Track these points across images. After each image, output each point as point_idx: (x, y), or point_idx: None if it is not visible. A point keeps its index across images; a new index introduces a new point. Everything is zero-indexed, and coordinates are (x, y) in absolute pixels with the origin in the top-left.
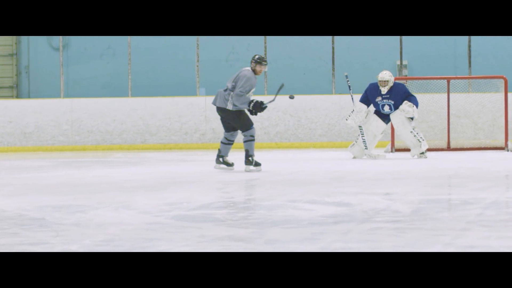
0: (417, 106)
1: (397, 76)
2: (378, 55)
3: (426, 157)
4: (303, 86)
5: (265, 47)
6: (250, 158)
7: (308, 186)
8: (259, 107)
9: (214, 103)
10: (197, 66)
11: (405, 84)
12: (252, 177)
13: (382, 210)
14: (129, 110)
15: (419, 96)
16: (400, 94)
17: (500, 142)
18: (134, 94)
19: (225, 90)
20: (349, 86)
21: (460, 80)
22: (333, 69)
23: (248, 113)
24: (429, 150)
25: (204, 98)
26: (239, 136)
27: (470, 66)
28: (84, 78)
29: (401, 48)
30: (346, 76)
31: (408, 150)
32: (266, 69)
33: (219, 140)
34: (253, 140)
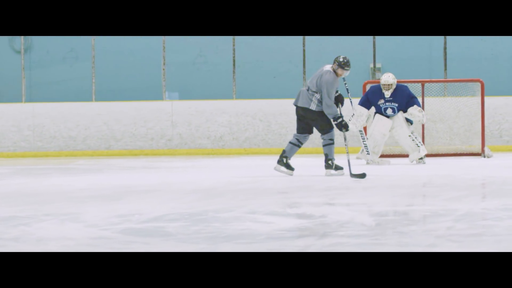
0: None
1: (370, 80)
2: (351, 57)
3: (425, 163)
4: (273, 90)
5: (234, 50)
6: (330, 162)
7: (271, 195)
8: (341, 127)
9: (296, 103)
10: (163, 69)
11: (407, 86)
12: (213, 186)
13: (345, 223)
14: (93, 115)
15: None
16: (404, 97)
17: (477, 148)
18: (98, 99)
19: (308, 90)
20: (347, 89)
21: (435, 83)
22: (304, 72)
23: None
24: (402, 156)
25: (170, 102)
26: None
27: (445, 69)
28: (46, 82)
29: (374, 51)
30: (344, 79)
31: (382, 156)
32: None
33: (186, 146)
34: (333, 143)
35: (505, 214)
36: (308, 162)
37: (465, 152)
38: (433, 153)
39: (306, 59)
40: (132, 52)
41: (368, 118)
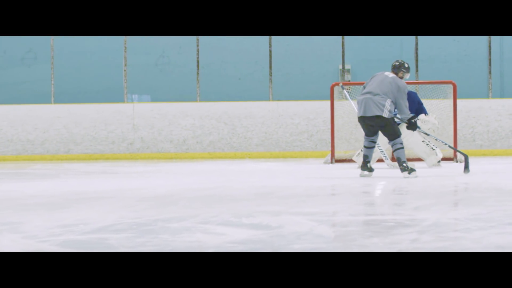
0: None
1: (337, 81)
2: (319, 59)
3: (441, 166)
4: (238, 92)
5: (198, 50)
6: (404, 165)
7: (228, 203)
8: (415, 126)
9: (364, 114)
10: (125, 70)
11: (416, 93)
12: (169, 193)
13: (303, 234)
14: (52, 118)
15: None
16: (414, 104)
17: (449, 152)
18: (57, 101)
19: (375, 96)
20: (347, 94)
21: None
22: (270, 74)
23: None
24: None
25: (132, 105)
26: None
27: (417, 70)
28: (3, 83)
29: (343, 52)
30: (342, 86)
31: (350, 160)
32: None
33: (148, 150)
34: (403, 147)
35: (475, 225)
36: (273, 166)
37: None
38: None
39: (272, 60)
40: (92, 53)
41: None
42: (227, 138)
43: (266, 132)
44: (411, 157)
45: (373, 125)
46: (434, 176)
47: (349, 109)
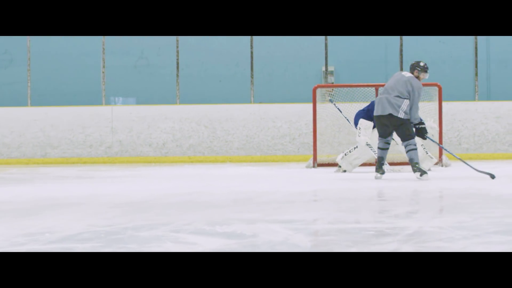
0: None
1: (321, 84)
2: (301, 60)
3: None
4: (218, 95)
5: (177, 52)
6: (417, 165)
7: (203, 210)
8: (424, 132)
9: (382, 112)
10: (103, 72)
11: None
12: (144, 199)
13: (278, 244)
14: (29, 121)
15: (345, 105)
16: None
17: (434, 156)
18: (34, 103)
19: (392, 96)
20: (339, 109)
21: None
22: (252, 76)
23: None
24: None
25: (110, 107)
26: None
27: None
28: None
29: (326, 53)
30: (331, 100)
31: (333, 164)
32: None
33: (126, 154)
34: (417, 148)
35: (459, 233)
36: (254, 171)
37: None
38: (388, 161)
39: (254, 62)
40: (70, 54)
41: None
42: (207, 142)
43: (247, 136)
44: (400, 161)
45: (388, 125)
46: (418, 181)
47: (332, 111)
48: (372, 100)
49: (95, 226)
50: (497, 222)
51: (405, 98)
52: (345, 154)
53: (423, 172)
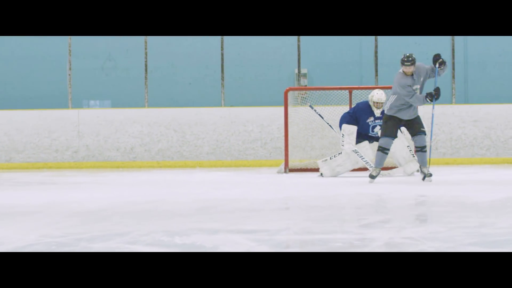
0: None
1: (293, 87)
2: (274, 63)
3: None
4: (188, 98)
5: (146, 54)
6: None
7: (164, 219)
8: (432, 96)
9: None
10: (69, 75)
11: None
12: (104, 207)
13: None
14: None
15: (318, 109)
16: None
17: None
18: None
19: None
20: (320, 115)
21: (364, 90)
22: (223, 79)
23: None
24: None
25: (77, 111)
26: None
27: (376, 74)
28: None
29: (299, 55)
30: (311, 106)
31: (306, 170)
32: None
33: (93, 158)
34: (385, 153)
35: (431, 245)
36: (223, 176)
37: (395, 166)
38: (362, 167)
39: (224, 64)
40: (35, 56)
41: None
42: (176, 146)
43: (218, 140)
44: (389, 165)
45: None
46: (392, 187)
47: (304, 115)
48: (356, 102)
49: (48, 237)
50: (472, 233)
51: (393, 94)
52: (330, 158)
53: (372, 176)
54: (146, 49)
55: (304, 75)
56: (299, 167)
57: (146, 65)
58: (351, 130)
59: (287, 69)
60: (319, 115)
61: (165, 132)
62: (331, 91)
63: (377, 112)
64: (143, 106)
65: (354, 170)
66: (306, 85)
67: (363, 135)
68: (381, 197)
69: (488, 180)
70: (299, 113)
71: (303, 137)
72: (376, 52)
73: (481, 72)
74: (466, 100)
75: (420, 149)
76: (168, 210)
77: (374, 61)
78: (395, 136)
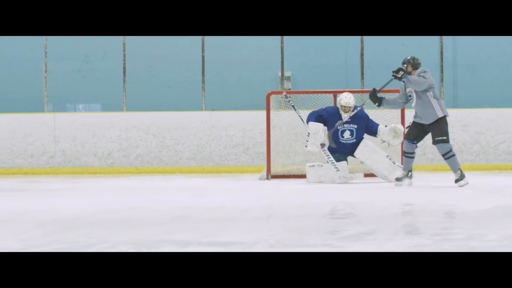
0: None
1: (276, 90)
2: (256, 65)
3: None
4: (168, 101)
5: (124, 55)
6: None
7: (135, 229)
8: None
9: None
10: (45, 77)
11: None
12: (75, 215)
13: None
14: None
15: (301, 113)
16: (363, 118)
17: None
18: None
19: None
20: (293, 106)
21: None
22: (203, 81)
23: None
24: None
25: (53, 114)
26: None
27: (362, 78)
28: None
29: (282, 57)
30: (286, 95)
31: (289, 176)
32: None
33: (70, 164)
34: (406, 156)
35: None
36: (203, 183)
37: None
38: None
39: (205, 66)
40: (9, 58)
41: (325, 132)
42: (156, 151)
43: (198, 145)
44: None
45: None
46: (377, 195)
47: (288, 119)
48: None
49: (8, 249)
50: (460, 246)
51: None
52: (322, 166)
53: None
54: (124, 51)
55: (288, 78)
56: (281, 174)
57: (124, 68)
58: (318, 128)
59: (270, 71)
60: (300, 117)
61: (144, 136)
62: (316, 94)
63: (345, 116)
64: (121, 109)
65: (366, 175)
66: (290, 89)
67: (336, 141)
68: (365, 205)
69: (477, 187)
70: (283, 118)
71: (286, 142)
72: (362, 55)
73: (470, 75)
74: (455, 104)
75: (443, 157)
76: (140, 219)
77: (360, 63)
78: (414, 140)
